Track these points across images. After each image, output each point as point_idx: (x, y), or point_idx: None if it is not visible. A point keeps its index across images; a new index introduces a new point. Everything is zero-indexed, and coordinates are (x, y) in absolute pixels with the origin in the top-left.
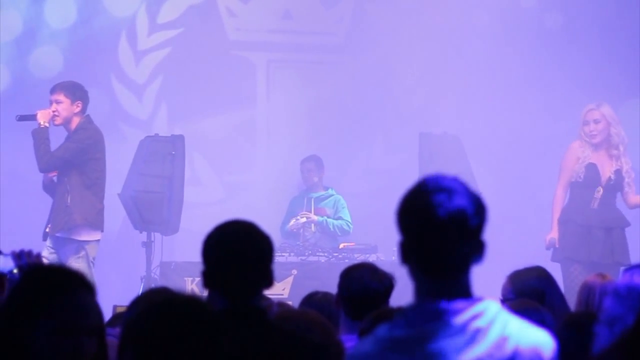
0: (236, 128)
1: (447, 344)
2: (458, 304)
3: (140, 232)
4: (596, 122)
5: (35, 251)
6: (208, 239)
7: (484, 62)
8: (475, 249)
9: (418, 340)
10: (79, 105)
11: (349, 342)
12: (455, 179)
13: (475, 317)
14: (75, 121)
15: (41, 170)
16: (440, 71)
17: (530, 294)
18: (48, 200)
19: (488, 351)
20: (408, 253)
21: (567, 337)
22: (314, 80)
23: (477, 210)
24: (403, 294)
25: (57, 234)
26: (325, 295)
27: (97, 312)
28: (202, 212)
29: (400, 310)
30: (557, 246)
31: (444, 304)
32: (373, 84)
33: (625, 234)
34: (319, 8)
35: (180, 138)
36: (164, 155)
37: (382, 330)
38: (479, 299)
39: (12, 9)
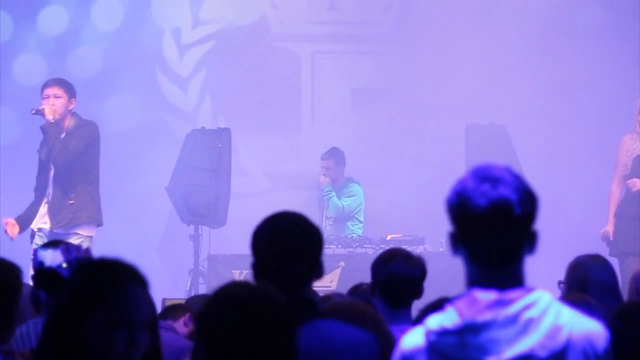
0: (280, 119)
1: (498, 334)
2: (509, 294)
3: (188, 225)
4: None
5: (84, 245)
6: (258, 231)
7: (533, 53)
8: (524, 239)
9: (469, 331)
10: (73, 102)
11: (395, 333)
12: (504, 169)
13: (527, 307)
14: (69, 118)
15: (57, 166)
16: (488, 61)
17: (574, 275)
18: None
19: (540, 341)
20: (457, 243)
21: (618, 327)
22: (360, 71)
23: (523, 200)
24: (453, 284)
25: (58, 230)
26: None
27: (151, 305)
28: (248, 204)
29: (450, 300)
30: (611, 239)
31: (495, 294)
32: (421, 74)
33: None
34: None
35: (227, 131)
36: (211, 148)
37: (432, 320)
38: (531, 289)
39: (58, 5)
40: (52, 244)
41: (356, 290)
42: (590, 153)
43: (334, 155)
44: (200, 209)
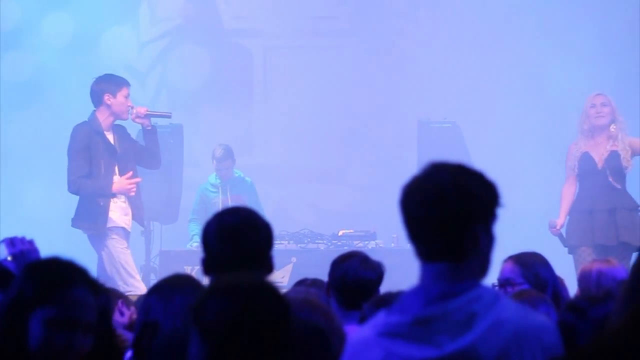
0: (233, 115)
1: (441, 328)
2: (454, 288)
3: None
4: (603, 105)
5: (28, 237)
6: (207, 227)
7: (488, 49)
8: (463, 236)
9: (412, 325)
10: None
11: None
12: (444, 165)
13: (471, 302)
14: None
15: (159, 167)
16: (444, 57)
17: (538, 281)
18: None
19: (484, 335)
20: (408, 239)
21: (570, 320)
22: (313, 66)
23: (458, 198)
24: (405, 279)
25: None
26: (315, 281)
27: (97, 309)
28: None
29: (398, 295)
30: (557, 227)
31: (439, 289)
32: (376, 70)
33: (637, 216)
34: None
35: (179, 127)
36: (162, 144)
37: (379, 316)
38: (476, 284)
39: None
40: None
41: (300, 285)
42: (543, 149)
43: (230, 154)
44: (152, 205)
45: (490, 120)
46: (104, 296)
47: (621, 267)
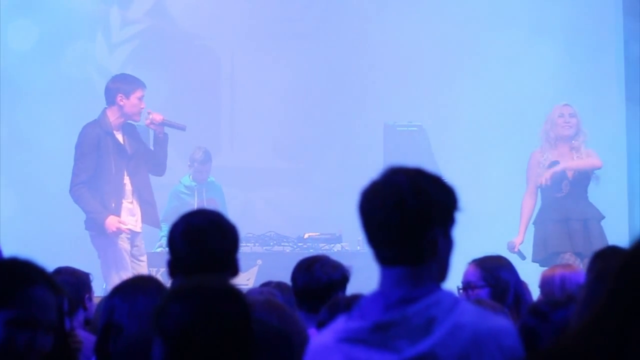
0: (201, 116)
1: (400, 333)
2: (414, 293)
3: None
4: (571, 115)
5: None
6: (174, 228)
7: (454, 53)
8: (422, 240)
9: (372, 331)
10: None
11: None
12: (403, 170)
13: (430, 306)
14: None
15: (163, 174)
16: (410, 60)
17: (499, 284)
18: None
19: (443, 340)
20: (367, 243)
21: (532, 324)
22: (279, 69)
23: (417, 202)
24: (370, 282)
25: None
26: (279, 284)
27: (55, 308)
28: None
29: (357, 300)
30: (515, 250)
31: (399, 294)
32: (343, 72)
33: (601, 227)
34: None
35: (145, 130)
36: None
37: (339, 321)
38: (435, 288)
39: None
40: None
41: (265, 287)
42: (509, 153)
43: (211, 158)
44: None
45: (457, 123)
46: (61, 296)
47: (582, 272)
